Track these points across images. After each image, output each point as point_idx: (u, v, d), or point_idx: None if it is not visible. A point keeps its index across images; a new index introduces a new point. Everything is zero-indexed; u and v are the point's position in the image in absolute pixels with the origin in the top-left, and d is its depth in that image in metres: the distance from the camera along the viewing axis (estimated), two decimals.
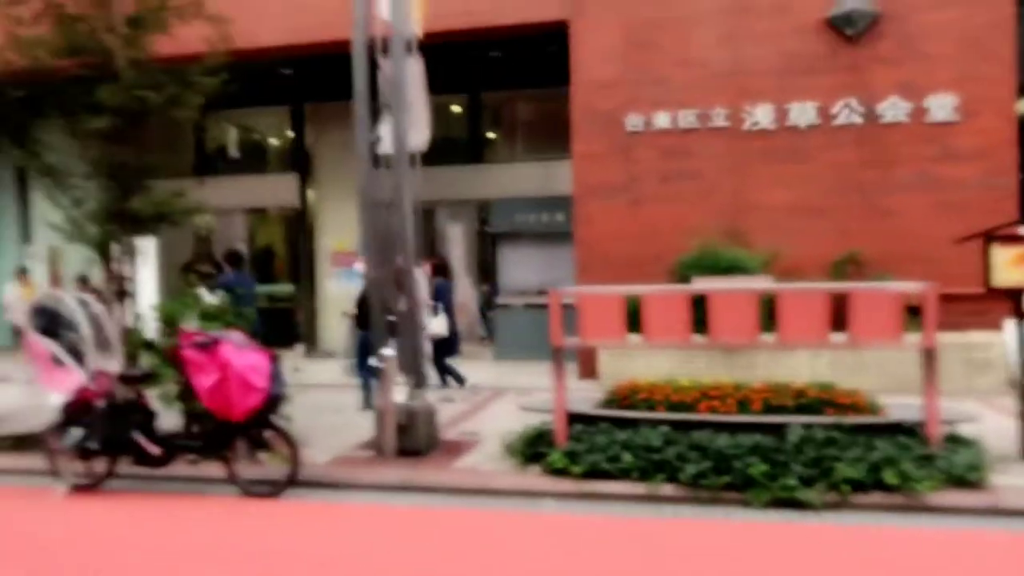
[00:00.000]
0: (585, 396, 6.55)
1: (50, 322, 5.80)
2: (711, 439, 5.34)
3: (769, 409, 5.61)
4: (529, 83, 12.29)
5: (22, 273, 13.52)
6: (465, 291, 12.72)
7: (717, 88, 9.53)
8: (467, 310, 12.73)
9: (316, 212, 13.55)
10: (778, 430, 5.37)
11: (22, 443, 7.23)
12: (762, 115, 9.40)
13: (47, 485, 5.98)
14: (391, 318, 6.56)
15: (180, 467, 5.85)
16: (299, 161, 13.48)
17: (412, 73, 6.47)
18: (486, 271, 12.65)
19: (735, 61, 9.47)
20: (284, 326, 13.03)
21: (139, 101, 6.56)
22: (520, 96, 13.00)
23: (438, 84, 7.25)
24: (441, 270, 9.51)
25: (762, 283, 7.20)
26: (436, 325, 8.81)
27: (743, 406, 5.65)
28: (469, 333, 12.53)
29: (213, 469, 5.89)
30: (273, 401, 5.53)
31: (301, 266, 13.53)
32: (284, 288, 13.44)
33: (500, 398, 8.97)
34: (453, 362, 9.31)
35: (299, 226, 13.55)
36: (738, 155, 9.51)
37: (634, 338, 5.71)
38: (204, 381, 5.45)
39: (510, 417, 7.80)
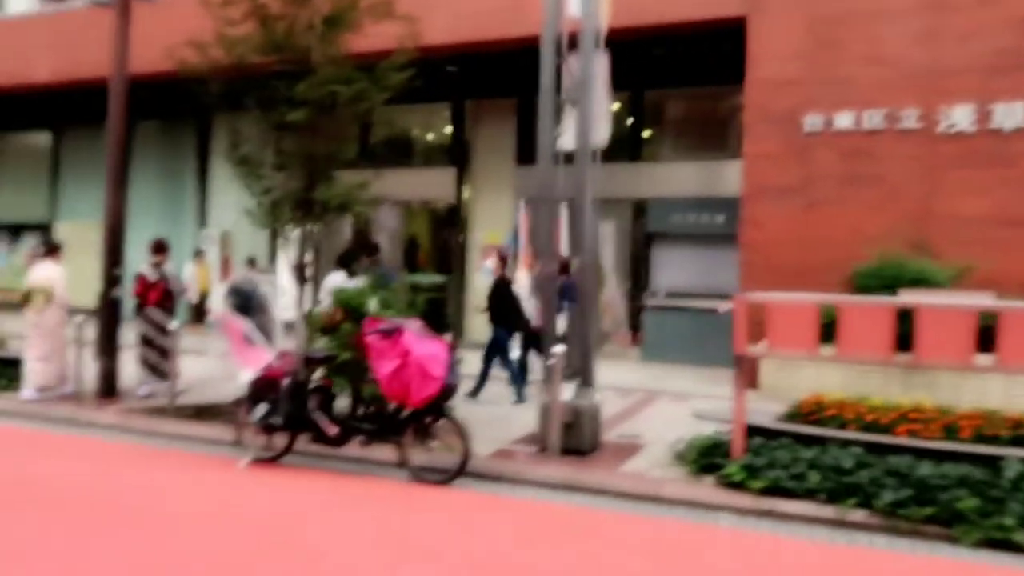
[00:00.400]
0: (761, 408, 6.22)
1: (244, 302, 6.13)
2: (912, 466, 4.90)
3: (980, 439, 5.09)
4: (691, 81, 11.95)
5: (198, 255, 14.57)
6: (612, 291, 12.53)
7: (908, 87, 8.85)
8: (614, 310, 12.54)
9: (470, 206, 13.76)
10: (990, 462, 4.86)
11: (203, 412, 7.76)
12: (960, 116, 8.64)
13: (229, 455, 6.34)
14: (554, 317, 6.50)
15: (352, 448, 6.04)
16: (457, 156, 13.74)
17: (599, 68, 6.37)
18: (637, 271, 12.40)
19: (931, 59, 8.75)
20: (434, 317, 13.31)
21: (332, 95, 6.81)
22: (681, 94, 12.66)
23: None
24: (565, 268, 9.49)
25: (982, 300, 6.58)
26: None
27: (950, 432, 5.16)
28: (615, 333, 12.36)
29: (384, 452, 6.04)
30: (448, 391, 5.59)
31: (453, 259, 13.79)
32: (436, 279, 13.72)
33: (654, 402, 8.74)
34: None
35: (453, 219, 13.82)
36: (928, 159, 8.79)
37: (825, 350, 5.35)
38: (384, 367, 5.58)
39: (669, 422, 7.58)
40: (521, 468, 5.95)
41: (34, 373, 8.20)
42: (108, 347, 8.35)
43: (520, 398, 8.53)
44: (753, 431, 5.57)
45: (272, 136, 7.44)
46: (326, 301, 8.47)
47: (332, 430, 5.81)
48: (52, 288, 8.14)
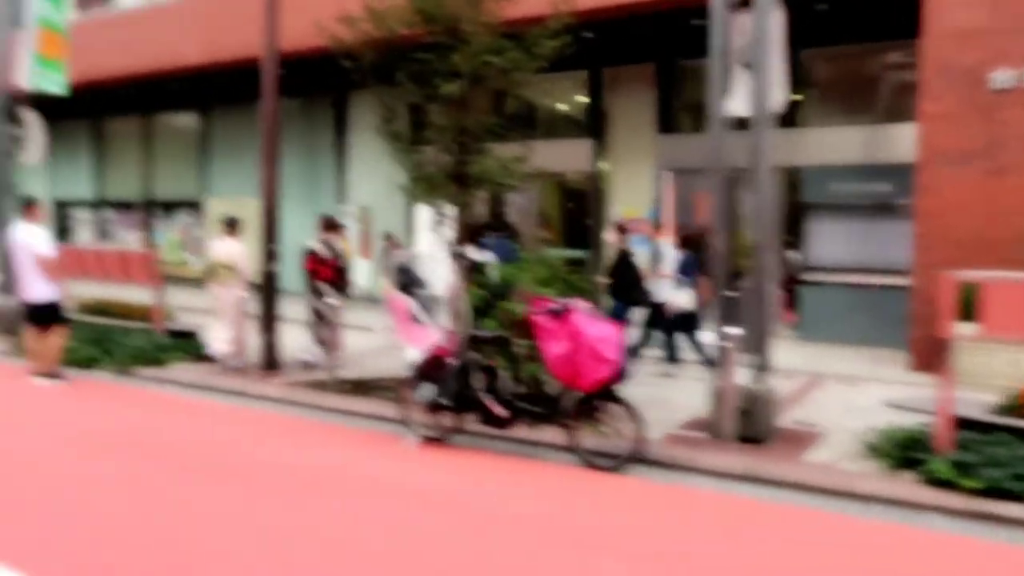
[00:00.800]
0: (964, 398, 5.64)
1: (409, 280, 6.09)
2: None
3: None
4: (854, 37, 11.02)
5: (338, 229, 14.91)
6: (793, 262, 11.83)
7: None
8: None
9: (607, 178, 13.38)
10: None
11: (361, 387, 7.88)
12: None
13: (393, 431, 6.38)
14: (732, 294, 6.12)
15: (519, 430, 5.92)
16: (593, 126, 13.37)
17: (774, 26, 5.88)
18: (791, 244, 11.69)
19: None
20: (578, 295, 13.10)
21: (486, 66, 6.65)
22: (840, 52, 11.71)
23: None
24: (689, 242, 9.14)
25: None
26: (680, 299, 8.47)
27: None
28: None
29: (551, 435, 5.90)
30: (621, 374, 5.36)
31: (590, 232, 13.48)
32: (576, 254, 13.47)
33: (821, 386, 8.19)
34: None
35: (590, 192, 13.48)
36: None
37: None
38: (554, 349, 5.40)
39: (845, 409, 7.08)
40: (695, 455, 5.66)
41: (217, 342, 8.58)
42: (269, 320, 8.63)
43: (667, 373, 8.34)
44: (962, 424, 5.04)
45: (423, 109, 7.38)
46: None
47: (500, 411, 5.70)
48: (234, 263, 8.47)
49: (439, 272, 5.92)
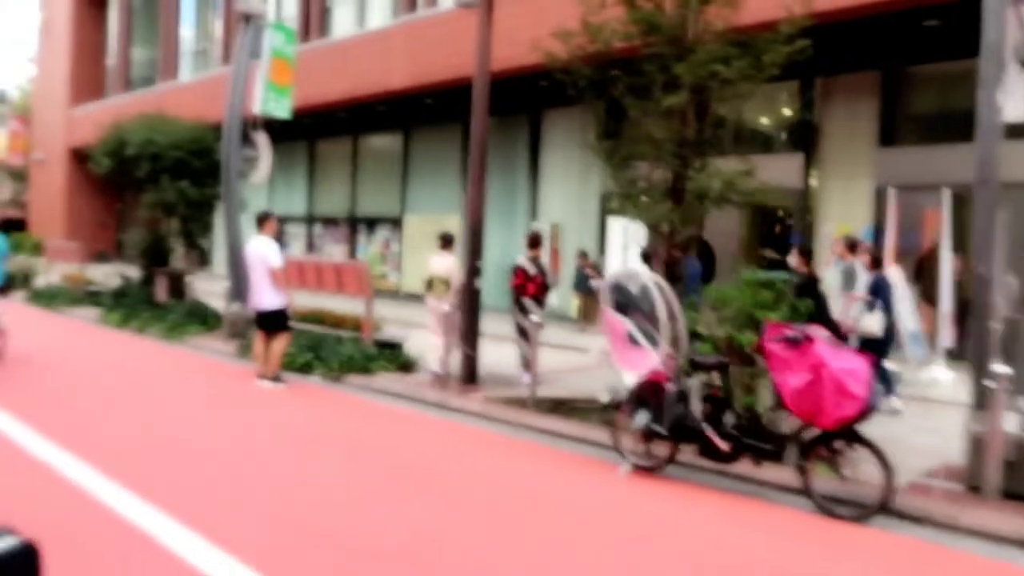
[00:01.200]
0: None
1: (624, 300, 5.83)
2: None
3: None
4: None
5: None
6: (1009, 290, 10.47)
7: None
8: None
9: (817, 195, 12.45)
10: None
11: (560, 407, 7.70)
12: None
13: (600, 456, 6.12)
14: (996, 325, 5.32)
15: (741, 465, 5.46)
16: (803, 139, 12.51)
17: None
18: None
19: None
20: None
21: (711, 76, 6.29)
22: None
23: (974, 40, 5.61)
24: (879, 263, 8.36)
25: None
26: (870, 323, 7.67)
27: None
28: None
29: (778, 474, 5.39)
30: (868, 411, 4.77)
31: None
32: (779, 276, 12.62)
33: None
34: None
35: (797, 210, 12.61)
36: None
37: None
38: (791, 381, 4.91)
39: None
40: (953, 511, 4.92)
41: (433, 352, 8.81)
42: (471, 335, 8.71)
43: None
44: None
45: (638, 123, 7.13)
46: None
47: (723, 445, 5.28)
48: (451, 277, 8.70)
49: (655, 291, 5.59)
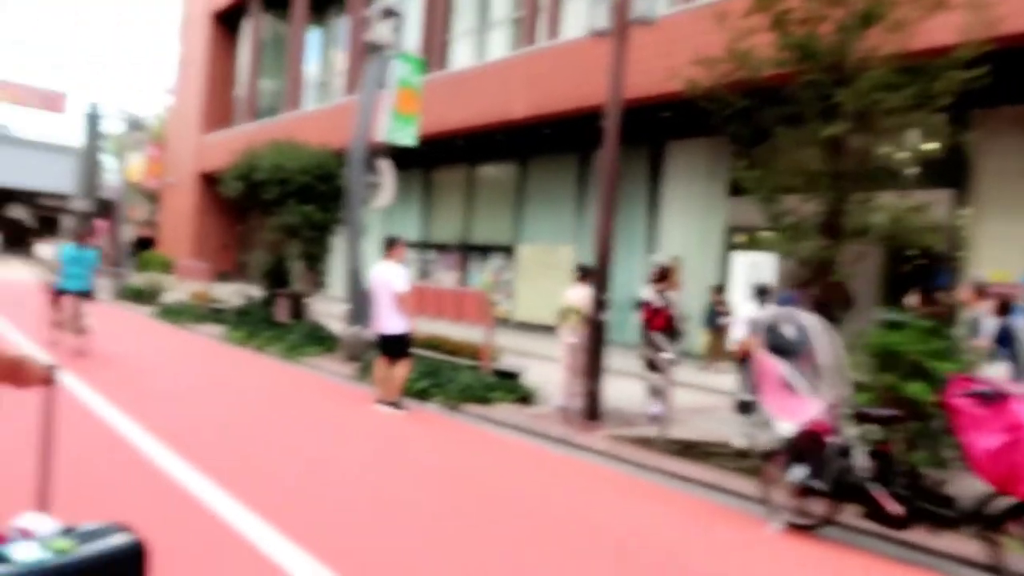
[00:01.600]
0: None
1: (777, 342, 5.39)
2: None
3: None
4: None
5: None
6: None
7: None
8: None
9: (968, 236, 11.53)
10: None
11: (689, 449, 7.27)
12: None
13: (740, 508, 5.67)
14: None
15: (912, 532, 4.89)
16: (953, 174, 11.63)
17: None
18: None
19: None
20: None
21: (875, 104, 5.82)
22: None
23: None
24: (1008, 308, 7.39)
25: None
26: (994, 374, 6.75)
27: None
28: None
29: (959, 545, 4.80)
30: None
31: (940, 300, 11.64)
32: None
33: None
34: None
35: (944, 251, 11.69)
36: None
37: None
38: (982, 442, 4.35)
39: None
40: None
41: (559, 385, 8.60)
42: (594, 369, 8.40)
43: None
44: None
45: (788, 153, 6.71)
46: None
47: (895, 509, 4.74)
48: (583, 308, 8.50)
49: (818, 334, 5.14)
